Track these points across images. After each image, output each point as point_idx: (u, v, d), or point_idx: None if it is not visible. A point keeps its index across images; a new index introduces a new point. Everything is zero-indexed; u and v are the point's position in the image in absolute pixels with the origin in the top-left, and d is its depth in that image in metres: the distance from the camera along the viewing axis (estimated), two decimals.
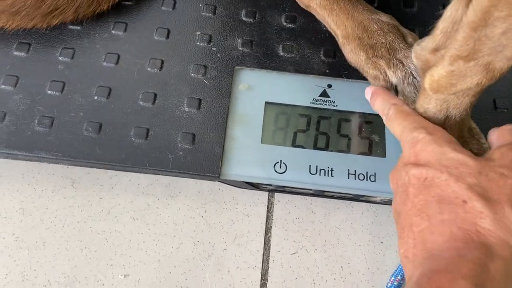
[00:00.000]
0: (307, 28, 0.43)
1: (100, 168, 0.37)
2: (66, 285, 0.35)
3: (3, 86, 0.39)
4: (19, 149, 0.36)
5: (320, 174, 0.38)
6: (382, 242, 0.39)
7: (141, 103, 0.39)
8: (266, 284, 0.37)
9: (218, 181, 0.38)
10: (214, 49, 0.42)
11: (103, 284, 0.35)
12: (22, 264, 0.36)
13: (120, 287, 0.35)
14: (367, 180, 0.38)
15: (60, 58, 0.40)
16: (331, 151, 0.39)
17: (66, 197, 0.38)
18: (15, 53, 0.40)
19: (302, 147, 0.39)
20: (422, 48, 0.31)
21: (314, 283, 0.37)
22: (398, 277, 0.36)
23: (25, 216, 0.37)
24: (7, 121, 0.37)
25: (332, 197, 0.39)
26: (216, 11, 0.44)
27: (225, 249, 0.38)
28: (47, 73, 0.39)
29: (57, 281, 0.35)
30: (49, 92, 0.39)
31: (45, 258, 0.36)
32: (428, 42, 0.30)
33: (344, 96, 0.41)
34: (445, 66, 0.27)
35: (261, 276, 0.37)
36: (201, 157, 0.37)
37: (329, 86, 0.41)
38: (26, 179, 0.39)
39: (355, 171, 0.38)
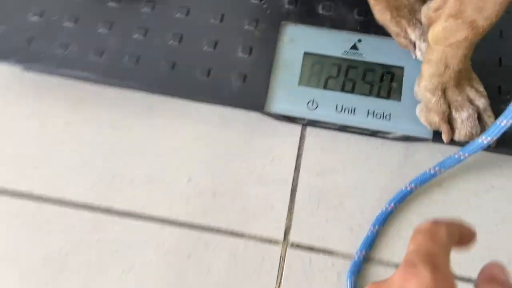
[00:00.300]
0: None
1: (172, 96, 0.48)
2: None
3: (100, 30, 0.50)
4: (114, 78, 0.48)
5: (344, 112, 0.47)
6: (391, 172, 0.48)
7: (205, 48, 0.49)
8: (295, 195, 0.47)
9: (262, 113, 0.48)
10: (264, 6, 0.51)
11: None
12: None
13: (184, 185, 0.47)
14: (383, 119, 0.46)
15: (142, 10, 0.51)
16: (355, 94, 0.47)
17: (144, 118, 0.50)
18: (109, 4, 0.51)
19: (331, 89, 0.48)
20: (428, 8, 0.38)
21: (332, 195, 0.47)
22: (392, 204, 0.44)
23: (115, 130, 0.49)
24: (104, 57, 0.48)
25: (353, 132, 0.48)
26: None
27: (264, 167, 0.48)
28: (134, 21, 0.50)
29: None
30: (135, 36, 0.50)
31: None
32: (433, 3, 0.37)
33: (371, 49, 0.49)
34: (442, 22, 0.34)
35: (291, 190, 0.48)
36: (250, 93, 0.47)
37: (359, 40, 0.49)
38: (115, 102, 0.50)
39: (374, 111, 0.47)
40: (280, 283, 0.44)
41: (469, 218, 0.30)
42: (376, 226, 0.43)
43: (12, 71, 0.50)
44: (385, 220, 0.44)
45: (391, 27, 0.46)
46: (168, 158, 0.48)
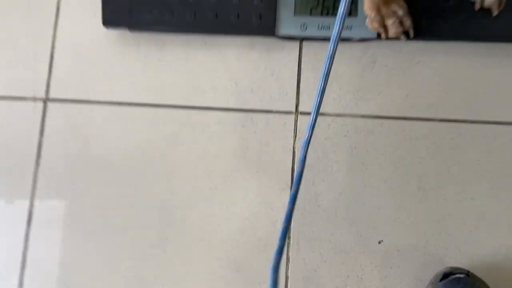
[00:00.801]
0: None
1: (218, 34, 0.79)
2: None
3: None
4: (183, 27, 0.79)
5: (324, 29, 0.77)
6: (359, 56, 0.78)
7: (235, 2, 0.79)
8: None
9: (274, 36, 0.78)
10: None
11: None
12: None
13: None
14: (349, 30, 0.76)
15: None
16: (329, 16, 0.77)
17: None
18: None
19: (314, 15, 0.77)
20: None
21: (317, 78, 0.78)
22: None
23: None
24: (175, 16, 0.79)
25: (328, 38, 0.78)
26: None
27: (281, 65, 0.80)
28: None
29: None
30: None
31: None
32: None
33: None
34: None
35: (297, 72, 0.79)
36: (265, 26, 0.77)
37: None
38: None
39: (345, 25, 0.76)
40: None
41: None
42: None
43: (120, 32, 0.82)
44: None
45: (373, 10, 0.72)
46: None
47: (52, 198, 0.80)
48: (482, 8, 0.73)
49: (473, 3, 0.73)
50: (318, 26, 0.77)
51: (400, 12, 0.71)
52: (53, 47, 0.85)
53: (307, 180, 0.76)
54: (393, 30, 0.72)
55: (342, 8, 0.53)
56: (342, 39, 0.76)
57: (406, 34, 0.73)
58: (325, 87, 0.57)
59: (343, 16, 0.53)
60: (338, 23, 0.54)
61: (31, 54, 0.85)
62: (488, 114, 0.75)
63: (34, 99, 0.84)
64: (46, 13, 0.86)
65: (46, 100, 0.83)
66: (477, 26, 0.73)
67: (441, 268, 0.71)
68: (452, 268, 0.70)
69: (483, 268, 0.71)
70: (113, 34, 0.83)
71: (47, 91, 0.84)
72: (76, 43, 0.84)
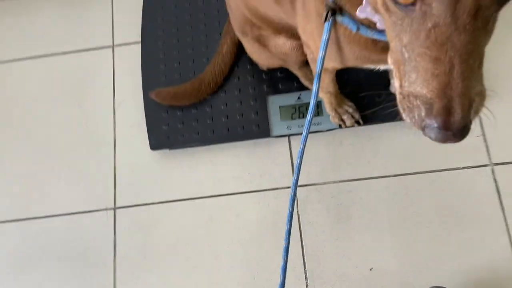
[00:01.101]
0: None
1: (229, 142, 1.14)
2: None
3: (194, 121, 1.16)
4: (210, 140, 1.14)
5: (303, 127, 1.11)
6: (328, 142, 1.12)
7: (238, 117, 1.14)
8: (292, 158, 1.12)
9: (270, 137, 1.13)
10: (256, 83, 1.16)
11: None
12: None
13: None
14: (319, 125, 1.11)
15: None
16: (305, 118, 1.12)
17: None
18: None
19: (294, 119, 1.12)
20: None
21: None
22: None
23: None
24: (200, 134, 1.14)
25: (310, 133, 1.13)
26: None
27: (276, 157, 1.13)
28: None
29: None
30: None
31: None
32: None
33: (306, 97, 1.13)
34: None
35: (291, 164, 1.12)
36: (262, 130, 1.12)
37: (300, 94, 1.14)
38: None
39: (314, 123, 1.11)
40: None
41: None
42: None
43: (162, 151, 1.17)
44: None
45: (332, 111, 1.08)
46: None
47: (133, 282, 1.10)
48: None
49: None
50: (298, 125, 1.12)
51: (350, 110, 1.06)
52: (115, 168, 1.18)
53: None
54: (348, 121, 1.07)
55: (309, 115, 0.87)
56: (316, 131, 1.11)
57: (357, 122, 1.08)
58: (301, 164, 0.89)
59: (310, 119, 0.86)
60: (307, 124, 0.87)
61: (100, 176, 1.18)
62: (426, 165, 1.08)
63: (106, 209, 1.16)
64: (107, 145, 1.20)
65: (115, 209, 1.15)
66: None
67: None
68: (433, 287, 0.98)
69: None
70: (158, 153, 1.17)
71: (115, 202, 1.16)
72: (132, 163, 1.18)
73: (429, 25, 0.42)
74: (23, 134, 1.24)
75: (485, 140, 1.08)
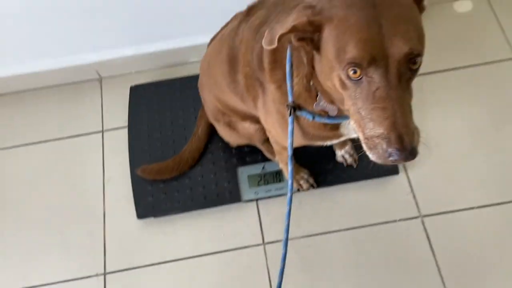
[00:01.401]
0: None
1: (204, 208, 1.34)
2: None
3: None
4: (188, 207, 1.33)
5: (268, 192, 1.33)
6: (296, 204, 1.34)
7: (213, 187, 1.35)
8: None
9: (240, 201, 1.34)
10: (230, 160, 1.39)
11: None
12: None
13: None
14: (280, 190, 1.33)
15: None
16: (270, 184, 1.34)
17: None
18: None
19: (261, 185, 1.34)
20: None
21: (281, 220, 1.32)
22: None
23: None
24: (175, 204, 1.34)
25: (274, 196, 1.34)
26: None
27: (246, 218, 1.33)
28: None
29: None
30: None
31: None
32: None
33: (270, 167, 1.36)
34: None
35: (260, 228, 1.33)
36: (233, 196, 1.33)
37: (264, 165, 1.37)
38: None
39: (276, 188, 1.33)
40: None
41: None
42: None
43: (148, 219, 1.34)
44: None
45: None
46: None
47: None
48: (348, 164, 1.34)
49: (342, 163, 1.34)
50: (265, 191, 1.34)
51: (305, 176, 1.31)
52: (104, 238, 1.34)
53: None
54: (305, 186, 1.30)
55: (289, 192, 1.10)
56: (279, 195, 1.33)
57: (312, 186, 1.31)
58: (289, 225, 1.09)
59: (291, 196, 1.08)
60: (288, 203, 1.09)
61: (91, 246, 1.33)
62: (370, 219, 1.31)
63: (97, 275, 1.29)
64: (97, 218, 1.37)
65: (105, 274, 1.29)
66: (349, 173, 1.34)
67: None
68: None
69: None
70: (144, 221, 1.35)
71: (104, 268, 1.30)
72: (120, 232, 1.35)
73: (374, 88, 0.65)
74: (22, 212, 1.39)
75: (414, 196, 1.33)
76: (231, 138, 1.29)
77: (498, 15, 1.59)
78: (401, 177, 1.36)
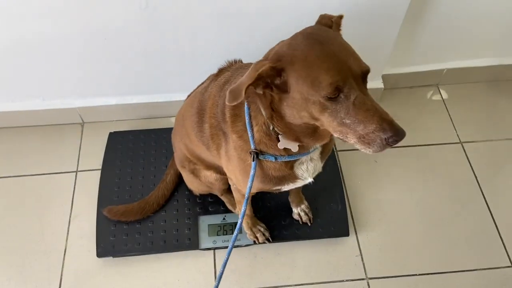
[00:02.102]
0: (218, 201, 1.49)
1: (168, 252, 1.39)
2: None
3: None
4: (153, 250, 1.38)
5: (225, 242, 1.40)
6: (246, 257, 1.40)
7: (175, 232, 1.42)
8: (221, 275, 1.37)
9: (198, 249, 1.40)
10: (190, 208, 1.47)
11: None
12: None
13: None
14: (239, 240, 1.41)
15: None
16: (228, 234, 1.42)
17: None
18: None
19: (220, 235, 1.42)
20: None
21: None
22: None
23: None
24: (141, 245, 1.39)
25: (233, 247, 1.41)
26: None
27: (203, 264, 1.38)
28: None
29: None
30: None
31: None
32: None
33: (230, 218, 1.45)
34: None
35: (214, 270, 1.38)
36: (192, 243, 1.39)
37: (225, 216, 1.46)
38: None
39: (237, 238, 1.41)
40: None
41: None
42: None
43: (107, 258, 1.38)
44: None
45: (248, 230, 1.41)
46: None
47: None
48: (303, 222, 1.43)
49: (297, 220, 1.43)
50: (222, 241, 1.41)
51: (262, 229, 1.39)
52: (62, 272, 1.37)
53: None
54: (260, 239, 1.38)
55: (233, 238, 1.18)
56: (236, 246, 1.40)
57: (268, 240, 1.39)
58: (222, 274, 1.16)
59: (233, 242, 1.16)
60: (230, 246, 1.17)
61: (47, 276, 1.35)
62: (319, 277, 1.37)
63: None
64: (58, 251, 1.41)
65: None
66: (303, 231, 1.43)
67: None
68: None
69: None
70: (102, 260, 1.39)
71: None
72: (78, 269, 1.38)
73: (352, 99, 0.77)
74: None
75: (362, 259, 1.42)
76: (193, 185, 1.39)
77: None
78: (351, 239, 1.45)
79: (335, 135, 0.84)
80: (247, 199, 1.03)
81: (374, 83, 1.70)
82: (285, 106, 0.85)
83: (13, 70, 1.49)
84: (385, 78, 1.73)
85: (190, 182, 1.38)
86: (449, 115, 1.77)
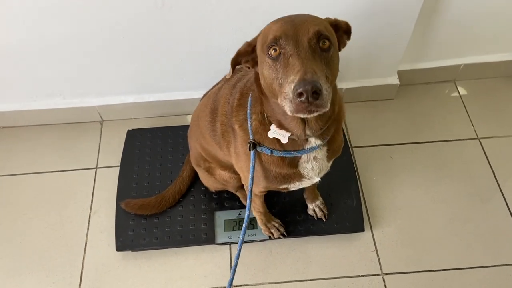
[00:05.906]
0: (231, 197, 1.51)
1: (186, 246, 1.42)
2: None
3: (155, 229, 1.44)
4: (170, 244, 1.41)
5: (239, 237, 1.42)
6: (268, 252, 1.42)
7: (191, 227, 1.45)
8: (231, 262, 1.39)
9: (214, 244, 1.42)
10: (207, 205, 1.49)
11: None
12: None
13: None
14: (254, 236, 1.42)
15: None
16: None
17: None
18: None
19: (235, 230, 1.44)
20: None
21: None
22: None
23: None
24: (155, 241, 1.42)
25: (247, 242, 1.43)
26: None
27: (220, 259, 1.41)
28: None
29: None
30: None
31: None
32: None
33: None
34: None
35: (229, 262, 1.40)
36: (209, 239, 1.42)
37: (240, 212, 1.47)
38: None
39: (250, 234, 1.43)
40: None
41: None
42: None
43: (126, 252, 1.42)
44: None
45: (263, 226, 1.43)
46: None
47: None
48: (318, 218, 1.44)
49: (312, 216, 1.44)
50: (238, 235, 1.43)
51: (276, 225, 1.40)
52: (83, 265, 1.41)
53: None
54: (275, 234, 1.40)
55: (241, 234, 1.19)
56: (251, 241, 1.42)
57: (283, 235, 1.41)
58: (236, 266, 1.18)
59: (243, 236, 1.17)
60: (241, 236, 1.18)
61: (68, 270, 1.40)
62: (334, 272, 1.38)
63: None
64: (79, 245, 1.45)
65: None
66: (318, 226, 1.44)
67: None
68: None
69: None
70: (121, 254, 1.42)
71: None
72: (98, 263, 1.42)
73: (288, 57, 0.78)
74: (11, 233, 1.48)
75: (377, 254, 1.42)
76: (209, 182, 1.41)
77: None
78: (366, 235, 1.45)
79: (281, 104, 0.80)
80: (251, 191, 1.05)
81: (389, 79, 1.70)
82: (261, 81, 0.89)
83: (34, 70, 1.54)
84: (400, 74, 1.73)
85: (206, 179, 1.41)
86: (466, 111, 1.75)
